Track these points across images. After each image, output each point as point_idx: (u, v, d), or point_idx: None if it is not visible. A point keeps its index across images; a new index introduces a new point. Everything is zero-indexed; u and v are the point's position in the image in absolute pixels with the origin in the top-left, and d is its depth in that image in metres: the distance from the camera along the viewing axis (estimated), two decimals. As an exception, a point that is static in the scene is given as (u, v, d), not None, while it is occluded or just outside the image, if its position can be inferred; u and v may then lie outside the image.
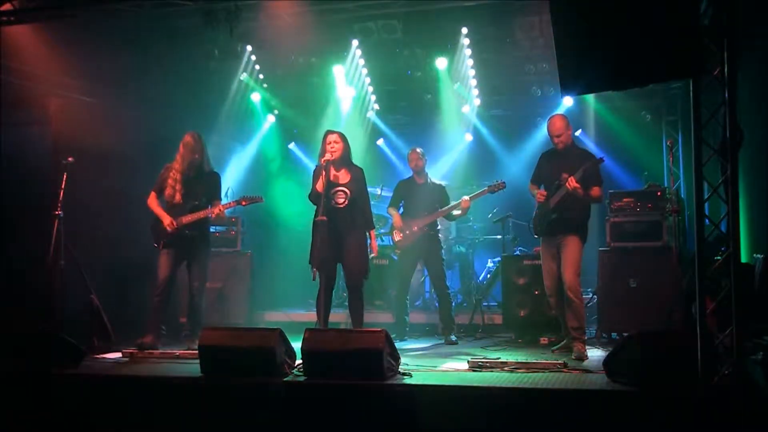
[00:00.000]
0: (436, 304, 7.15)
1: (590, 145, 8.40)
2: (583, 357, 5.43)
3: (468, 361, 4.98)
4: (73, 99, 6.95)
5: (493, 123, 9.53)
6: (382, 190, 8.45)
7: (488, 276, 8.42)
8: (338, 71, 8.61)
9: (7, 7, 6.24)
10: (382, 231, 8.31)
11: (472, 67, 8.42)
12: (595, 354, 5.60)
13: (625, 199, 6.77)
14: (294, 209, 9.06)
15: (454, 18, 7.54)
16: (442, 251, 7.08)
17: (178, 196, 6.03)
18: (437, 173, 7.24)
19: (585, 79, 4.16)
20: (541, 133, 8.51)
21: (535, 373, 4.70)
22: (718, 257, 4.19)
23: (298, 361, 4.75)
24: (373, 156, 9.75)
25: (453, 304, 7.09)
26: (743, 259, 5.04)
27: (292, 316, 7.89)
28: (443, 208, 6.80)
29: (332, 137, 5.74)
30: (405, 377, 4.55)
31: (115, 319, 6.33)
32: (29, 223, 6.51)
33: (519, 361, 4.98)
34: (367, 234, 5.88)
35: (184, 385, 4.68)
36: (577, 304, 5.54)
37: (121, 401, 4.65)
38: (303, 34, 7.58)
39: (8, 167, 6.62)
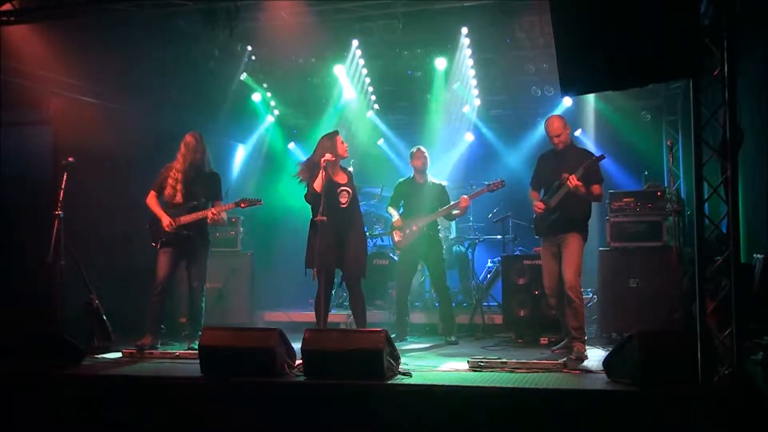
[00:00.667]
0: (436, 304, 7.15)
1: (590, 145, 8.39)
2: (583, 357, 5.43)
3: (468, 361, 4.97)
4: (73, 99, 6.94)
5: (493, 123, 9.53)
6: (382, 190, 8.45)
7: (488, 276, 8.42)
8: (338, 71, 8.61)
9: (7, 7, 6.23)
10: (382, 231, 8.31)
11: (472, 67, 8.42)
12: (595, 354, 5.60)
13: (625, 199, 6.77)
14: (294, 209, 9.05)
15: (454, 18, 7.54)
16: (443, 251, 7.08)
17: (178, 196, 6.04)
18: (437, 173, 7.23)
19: (585, 79, 4.16)
20: (541, 133, 8.50)
21: (535, 373, 4.70)
22: (718, 257, 4.18)
23: (298, 361, 4.75)
24: (373, 156, 9.74)
25: (453, 304, 7.09)
26: (743, 259, 5.03)
27: (292, 316, 7.89)
28: (442, 208, 6.80)
29: (338, 138, 5.77)
30: (405, 377, 4.55)
31: (115, 319, 6.33)
32: (29, 223, 6.51)
33: (519, 361, 4.98)
34: (365, 232, 5.93)
35: (184, 385, 4.68)
36: (577, 303, 5.54)
37: (121, 401, 4.65)
38: (303, 34, 7.58)
39: (8, 167, 6.62)
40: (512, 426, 4.09)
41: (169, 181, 6.07)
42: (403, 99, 9.25)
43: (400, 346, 5.46)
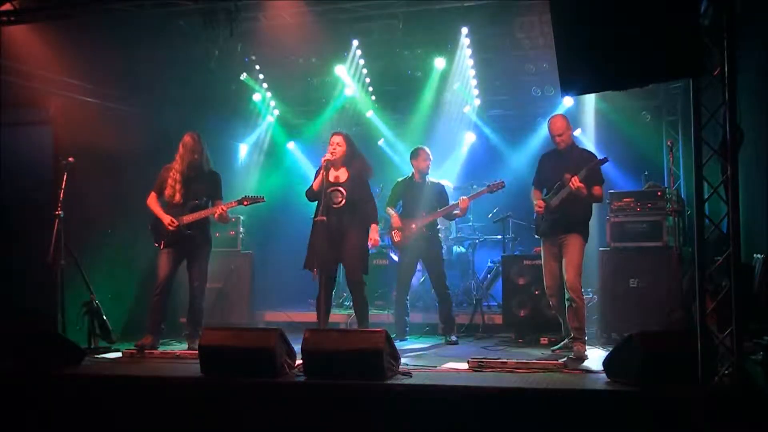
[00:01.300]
0: (437, 304, 7.15)
1: (590, 145, 8.38)
2: (583, 357, 5.44)
3: (468, 361, 4.97)
4: (73, 99, 6.94)
5: (493, 123, 9.52)
6: (382, 189, 8.45)
7: (488, 276, 8.42)
8: (338, 71, 8.61)
9: (7, 7, 6.24)
10: (381, 231, 8.30)
11: (472, 67, 8.42)
12: (595, 354, 5.60)
13: (625, 199, 6.77)
14: (294, 209, 9.05)
15: (454, 18, 7.54)
16: (443, 251, 7.08)
17: (177, 196, 6.04)
18: (438, 173, 7.23)
19: (585, 79, 4.16)
20: (542, 133, 8.51)
21: (535, 373, 4.70)
22: (718, 257, 4.18)
23: (298, 361, 4.75)
24: (373, 156, 9.71)
25: (453, 304, 7.09)
26: (743, 259, 5.03)
27: (292, 316, 7.89)
28: (442, 209, 6.80)
29: (335, 138, 5.81)
30: (405, 377, 4.55)
31: (115, 319, 6.33)
32: (29, 223, 6.51)
33: (519, 361, 4.98)
34: (368, 230, 5.90)
35: (184, 385, 4.68)
36: (577, 303, 5.55)
37: (121, 401, 4.65)
38: (303, 34, 7.57)
39: (9, 167, 6.62)
40: (512, 426, 4.09)
41: (169, 181, 6.08)
42: (403, 99, 9.24)
43: (400, 346, 5.46)
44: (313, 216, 5.69)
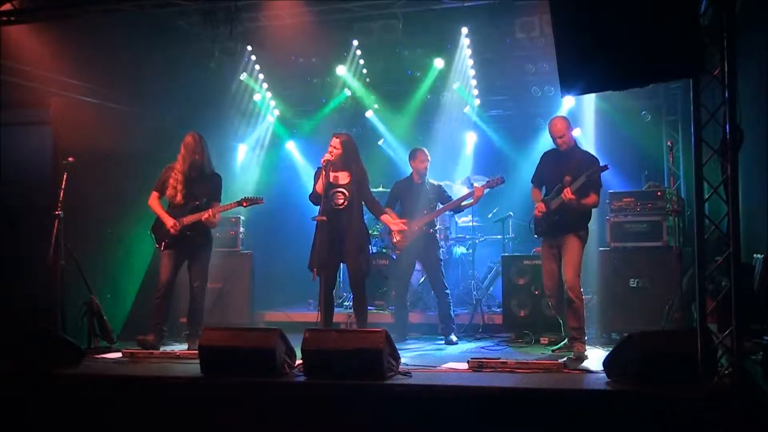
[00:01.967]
0: (436, 304, 7.14)
1: (590, 145, 8.39)
2: (583, 357, 5.44)
3: (468, 361, 4.97)
4: (73, 99, 6.94)
5: (493, 123, 9.52)
6: (382, 189, 8.46)
7: (488, 276, 8.41)
8: (338, 71, 8.61)
9: (7, 7, 6.24)
10: (381, 231, 8.30)
11: (472, 67, 8.42)
12: (595, 354, 5.60)
13: (625, 199, 6.77)
14: (294, 209, 9.06)
15: (454, 18, 7.54)
16: (441, 251, 7.07)
17: (179, 197, 6.05)
18: (437, 173, 7.23)
19: (585, 79, 4.16)
20: (542, 133, 8.49)
21: (535, 373, 4.70)
22: (718, 257, 4.18)
23: (298, 361, 4.75)
24: (373, 156, 9.73)
25: (452, 304, 7.08)
26: (743, 259, 5.03)
27: (292, 316, 7.89)
28: (454, 200, 6.82)
29: (334, 141, 5.81)
30: (405, 377, 4.55)
31: (115, 319, 6.33)
32: (29, 223, 6.51)
33: (519, 361, 4.98)
34: (367, 230, 5.91)
35: (184, 385, 4.68)
36: (577, 304, 5.55)
37: (121, 401, 4.65)
38: (303, 35, 7.58)
39: (9, 167, 6.62)
40: (512, 426, 4.09)
41: (170, 181, 6.09)
42: (403, 99, 9.24)
43: (400, 346, 5.46)
44: (313, 216, 5.69)
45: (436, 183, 7.02)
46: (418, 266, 7.23)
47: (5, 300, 6.30)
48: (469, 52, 8.16)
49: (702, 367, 3.91)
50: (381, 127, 9.77)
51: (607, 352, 4.68)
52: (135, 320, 6.81)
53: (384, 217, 6.18)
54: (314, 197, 5.82)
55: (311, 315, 7.68)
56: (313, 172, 6.04)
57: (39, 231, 6.12)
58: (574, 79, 4.17)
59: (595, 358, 5.40)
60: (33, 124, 6.97)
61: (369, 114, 9.58)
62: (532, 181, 6.07)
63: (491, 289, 8.21)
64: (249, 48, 8.31)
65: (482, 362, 4.91)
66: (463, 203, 6.85)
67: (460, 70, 8.44)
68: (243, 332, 4.98)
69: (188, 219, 6.01)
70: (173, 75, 7.54)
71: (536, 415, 4.08)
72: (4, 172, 6.59)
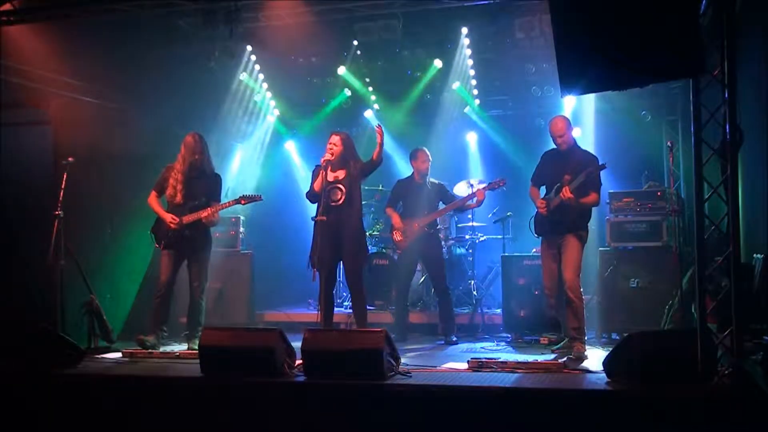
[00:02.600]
0: (437, 304, 7.15)
1: (590, 145, 8.38)
2: (583, 357, 5.44)
3: (468, 361, 4.97)
4: (73, 99, 6.94)
5: (493, 123, 9.52)
6: (382, 189, 8.46)
7: (488, 276, 8.41)
8: (338, 71, 8.61)
9: (7, 7, 6.24)
10: (382, 231, 8.31)
11: (472, 67, 8.42)
12: (595, 354, 5.60)
13: (625, 199, 6.77)
14: (294, 209, 9.06)
15: (454, 18, 7.54)
16: (443, 251, 7.06)
17: (179, 197, 6.06)
18: (437, 173, 7.23)
19: (585, 79, 4.16)
20: (542, 133, 8.48)
21: (535, 373, 4.70)
22: (718, 257, 4.18)
23: (298, 361, 4.75)
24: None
25: (453, 304, 7.09)
26: (743, 259, 5.03)
27: (292, 316, 7.89)
28: (456, 200, 6.83)
29: (333, 138, 5.81)
30: (405, 377, 4.55)
31: (115, 319, 6.32)
32: (29, 223, 6.51)
33: (519, 361, 4.98)
34: (365, 231, 5.99)
35: (184, 385, 4.68)
36: (577, 304, 5.55)
37: (121, 401, 4.65)
38: (303, 34, 7.57)
39: (8, 167, 6.62)
40: (512, 426, 4.09)
41: (171, 181, 6.10)
42: (403, 99, 9.24)
43: (400, 346, 5.46)
44: (313, 216, 5.69)
45: (437, 182, 7.02)
46: (418, 266, 7.23)
47: (5, 300, 6.30)
48: (469, 52, 8.15)
49: (702, 367, 3.92)
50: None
51: (607, 352, 4.69)
52: (135, 320, 6.81)
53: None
54: (311, 195, 5.85)
55: (311, 315, 7.68)
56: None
57: (39, 231, 6.12)
58: (574, 79, 4.18)
59: (595, 358, 5.40)
60: (33, 124, 6.96)
61: (369, 114, 9.57)
62: (531, 180, 6.08)
63: (491, 289, 8.21)
64: (249, 48, 8.30)
65: (482, 362, 4.91)
66: (465, 204, 6.85)
67: (460, 70, 8.43)
68: (243, 332, 4.98)
69: (188, 218, 6.02)
70: (173, 75, 7.54)
71: (536, 415, 4.08)
72: (4, 172, 6.59)
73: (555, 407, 4.10)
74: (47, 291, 5.97)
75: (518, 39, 7.56)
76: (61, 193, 6.00)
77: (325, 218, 5.57)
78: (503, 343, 6.57)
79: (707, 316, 4.04)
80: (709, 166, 4.13)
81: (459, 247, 8.41)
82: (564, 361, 4.98)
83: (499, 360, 4.98)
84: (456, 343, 6.61)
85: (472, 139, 9.60)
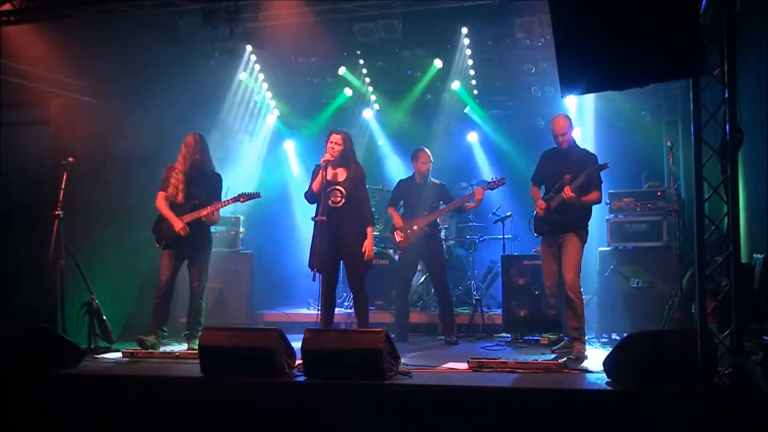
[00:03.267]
0: (437, 304, 7.15)
1: (590, 145, 8.38)
2: (582, 357, 5.44)
3: (468, 361, 4.97)
4: (73, 99, 6.94)
5: (493, 123, 9.52)
6: (382, 188, 8.46)
7: (488, 276, 8.41)
8: (338, 71, 8.60)
9: (7, 7, 6.24)
10: (383, 231, 8.31)
11: (472, 67, 8.42)
12: (595, 354, 5.61)
13: (625, 199, 6.78)
14: (294, 209, 9.06)
15: (454, 18, 7.54)
16: (443, 251, 7.06)
17: (180, 196, 6.07)
18: (437, 173, 7.24)
19: (585, 79, 4.16)
20: (542, 133, 8.49)
21: (535, 373, 4.70)
22: (718, 257, 4.18)
23: (298, 361, 4.75)
24: (374, 156, 9.74)
25: (453, 304, 7.09)
26: (743, 259, 5.03)
27: (292, 316, 7.89)
28: (456, 201, 6.83)
29: (334, 137, 5.78)
30: (405, 377, 4.55)
31: (115, 319, 6.32)
32: (29, 223, 6.51)
33: (519, 361, 4.98)
34: (365, 230, 5.89)
35: (184, 385, 4.68)
36: (577, 304, 5.55)
37: (121, 401, 4.65)
38: (303, 34, 7.58)
39: (8, 167, 6.62)
40: (512, 426, 4.09)
41: (172, 181, 6.11)
42: (403, 99, 9.25)
43: (400, 346, 5.46)
44: (313, 216, 5.69)
45: (438, 182, 7.03)
46: (418, 266, 7.22)
47: (5, 300, 6.29)
48: (469, 52, 8.16)
49: (702, 367, 3.92)
50: (381, 128, 9.77)
51: (607, 352, 4.69)
52: (135, 320, 6.81)
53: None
54: (310, 195, 5.81)
55: (311, 315, 7.68)
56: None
57: (39, 231, 6.12)
58: (574, 79, 4.18)
59: (595, 358, 5.40)
60: (33, 124, 6.96)
61: (369, 114, 9.58)
62: (531, 180, 6.08)
63: (491, 289, 8.21)
64: (249, 48, 8.31)
65: (482, 362, 4.90)
66: (465, 205, 6.85)
67: (460, 70, 8.44)
68: (243, 332, 4.97)
69: (188, 217, 6.02)
70: (173, 75, 7.53)
71: (536, 415, 4.08)
72: (4, 172, 6.59)
73: (555, 407, 4.10)
74: (47, 291, 5.97)
75: (518, 39, 7.57)
76: (61, 193, 5.99)
77: (325, 218, 5.56)
78: (503, 343, 6.57)
79: (707, 316, 4.04)
80: (709, 166, 4.13)
81: (459, 247, 8.42)
82: (564, 361, 4.98)
83: (499, 360, 4.98)
84: (456, 343, 6.61)
85: (472, 139, 9.60)
